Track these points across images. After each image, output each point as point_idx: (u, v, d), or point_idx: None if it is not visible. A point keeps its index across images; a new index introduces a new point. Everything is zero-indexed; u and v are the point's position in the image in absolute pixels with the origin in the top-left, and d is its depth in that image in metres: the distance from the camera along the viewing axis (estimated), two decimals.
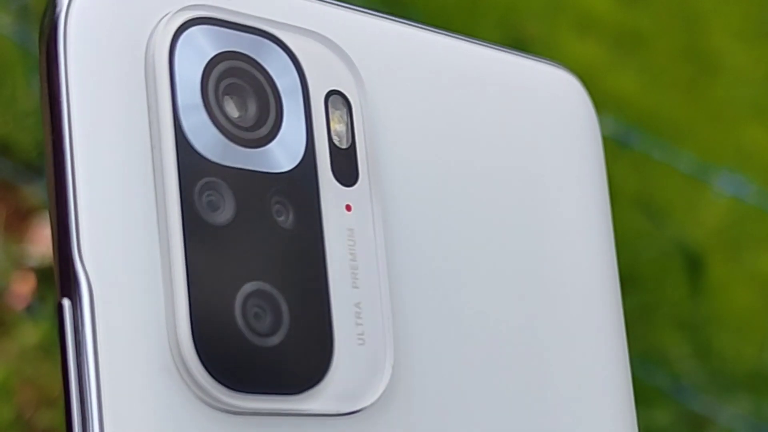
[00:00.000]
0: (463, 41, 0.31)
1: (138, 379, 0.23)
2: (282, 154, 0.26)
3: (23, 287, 1.36)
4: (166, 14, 0.25)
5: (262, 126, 0.26)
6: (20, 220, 1.44)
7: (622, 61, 1.93)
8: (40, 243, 1.40)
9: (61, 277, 0.24)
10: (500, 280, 0.29)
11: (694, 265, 1.60)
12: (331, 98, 0.27)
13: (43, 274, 1.36)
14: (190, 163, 0.25)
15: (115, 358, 0.23)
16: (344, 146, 0.27)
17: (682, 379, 1.47)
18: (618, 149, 1.67)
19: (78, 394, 0.23)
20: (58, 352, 0.24)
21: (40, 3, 1.45)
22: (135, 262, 0.24)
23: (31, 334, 1.29)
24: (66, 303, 0.23)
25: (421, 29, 0.30)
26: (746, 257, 1.72)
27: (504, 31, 1.87)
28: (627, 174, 1.71)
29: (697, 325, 1.59)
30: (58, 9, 0.24)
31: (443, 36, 0.30)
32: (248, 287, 0.25)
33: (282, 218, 0.26)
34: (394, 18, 0.29)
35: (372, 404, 0.26)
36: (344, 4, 0.29)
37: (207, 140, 0.25)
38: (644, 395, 1.44)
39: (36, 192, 1.45)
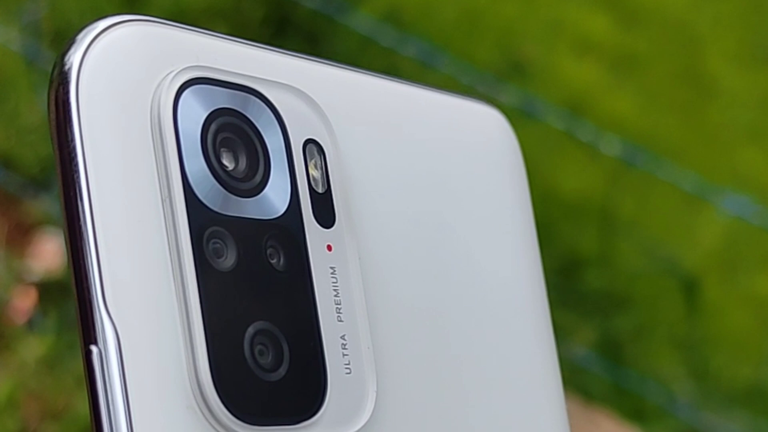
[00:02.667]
0: (410, 86, 0.33)
1: (166, 419, 0.25)
2: (271, 202, 0.28)
3: (24, 302, 1.36)
4: (169, 73, 0.27)
5: (254, 176, 0.28)
6: (22, 234, 1.44)
7: (619, 83, 1.94)
8: (42, 258, 1.40)
9: (85, 325, 0.25)
10: (455, 301, 0.32)
11: (690, 286, 1.61)
12: (307, 147, 0.29)
13: (44, 289, 1.36)
14: (197, 213, 0.26)
15: (144, 400, 0.25)
16: (321, 191, 0.29)
17: (679, 397, 1.48)
18: (623, 169, 1.68)
19: None
20: (87, 395, 0.25)
21: (50, 19, 1.46)
22: (154, 308, 0.26)
23: (33, 348, 1.30)
24: (95, 350, 0.25)
25: (374, 77, 0.32)
26: (742, 279, 1.73)
27: (502, 53, 1.88)
28: (626, 194, 1.72)
29: (693, 345, 1.60)
30: (67, 67, 0.26)
31: (393, 82, 0.33)
32: (253, 327, 0.27)
33: (275, 261, 0.28)
34: (350, 67, 0.32)
35: (360, 429, 0.28)
36: (305, 55, 0.31)
37: (209, 191, 0.27)
38: (642, 411, 1.44)
39: (38, 207, 1.45)
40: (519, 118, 1.67)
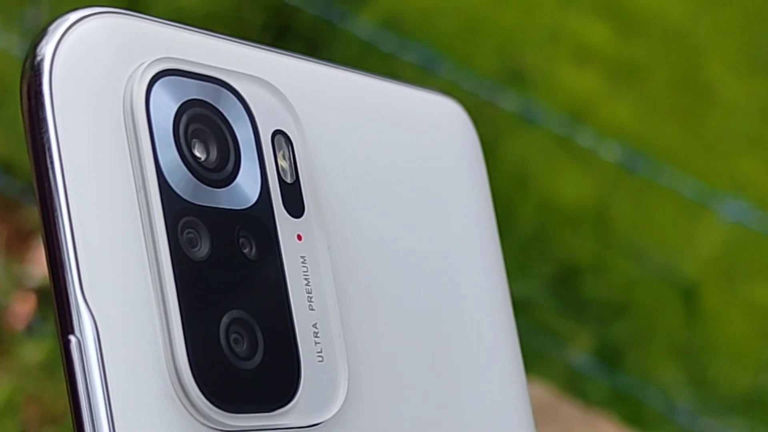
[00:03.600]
0: (373, 78, 0.34)
1: (145, 408, 0.25)
2: (242, 192, 0.28)
3: (24, 307, 1.36)
4: (140, 65, 0.27)
5: (225, 167, 0.28)
6: (21, 240, 1.44)
7: (618, 91, 1.94)
8: (41, 263, 1.41)
9: (63, 316, 0.25)
10: (422, 286, 0.33)
11: (689, 293, 1.61)
12: (276, 138, 0.29)
13: (43, 295, 1.36)
14: (171, 203, 0.27)
15: (123, 389, 0.25)
16: (290, 181, 0.29)
17: (678, 403, 1.48)
18: (623, 175, 1.68)
19: (91, 424, 0.25)
20: (66, 384, 0.25)
21: None
22: (131, 298, 0.26)
23: (33, 353, 1.30)
24: (73, 339, 0.25)
25: (339, 69, 0.33)
26: (741, 286, 1.73)
27: (502, 61, 1.88)
28: (626, 201, 1.72)
29: (692, 352, 1.60)
30: (39, 58, 0.26)
31: (357, 74, 0.33)
32: (228, 316, 0.27)
33: (247, 250, 0.28)
34: (315, 59, 0.32)
35: (334, 415, 0.28)
36: (271, 47, 0.31)
37: (181, 181, 0.27)
38: (642, 417, 1.44)
39: (37, 213, 1.45)
40: (519, 123, 1.67)
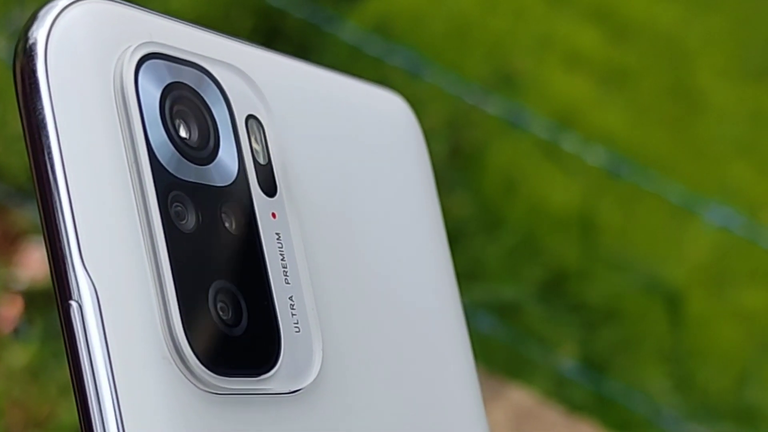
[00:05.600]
0: (329, 72, 0.36)
1: (144, 370, 0.27)
2: (222, 170, 0.30)
3: (11, 310, 1.36)
4: (127, 48, 0.29)
5: (206, 146, 0.30)
6: (8, 243, 1.44)
7: (608, 97, 1.95)
8: (28, 267, 1.40)
9: (62, 283, 0.26)
10: (378, 265, 0.35)
11: (676, 299, 1.62)
12: (249, 122, 0.31)
13: (30, 298, 1.36)
14: (161, 178, 0.28)
15: (123, 351, 0.26)
16: (263, 163, 0.31)
17: (664, 409, 1.48)
18: (609, 180, 1.68)
19: (94, 387, 0.26)
20: (66, 350, 0.26)
21: None
22: (127, 266, 0.27)
23: (18, 356, 1.30)
24: (74, 305, 0.26)
25: (300, 62, 0.35)
26: (728, 292, 1.73)
27: (491, 66, 1.88)
28: (613, 207, 1.72)
29: (679, 358, 1.60)
30: (32, 41, 0.28)
31: (315, 67, 0.36)
32: (215, 286, 0.29)
33: (228, 225, 0.30)
34: (277, 52, 0.34)
35: (312, 383, 0.30)
36: (239, 38, 0.33)
37: (169, 158, 0.29)
38: (628, 423, 1.44)
39: (25, 216, 1.45)
40: (506, 128, 1.68)
